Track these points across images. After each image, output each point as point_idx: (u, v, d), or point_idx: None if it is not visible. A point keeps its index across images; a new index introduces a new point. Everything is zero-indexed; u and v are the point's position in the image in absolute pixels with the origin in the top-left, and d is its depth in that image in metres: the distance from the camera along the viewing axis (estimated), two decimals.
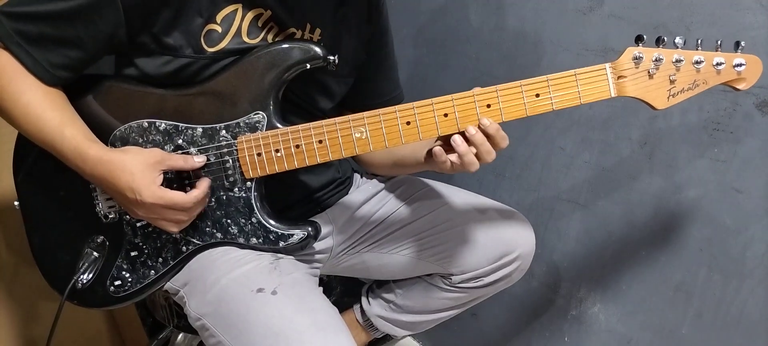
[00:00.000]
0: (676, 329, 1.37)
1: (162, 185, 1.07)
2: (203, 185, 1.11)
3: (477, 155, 1.06)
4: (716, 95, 1.21)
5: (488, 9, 1.55)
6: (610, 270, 1.46)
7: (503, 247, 1.35)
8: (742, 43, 1.01)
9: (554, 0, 1.42)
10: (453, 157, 1.07)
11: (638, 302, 1.43)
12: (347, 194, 1.45)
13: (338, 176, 1.41)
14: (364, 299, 1.59)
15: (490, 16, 1.55)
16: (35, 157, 1.18)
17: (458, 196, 1.44)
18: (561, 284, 1.57)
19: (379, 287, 1.58)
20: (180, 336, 1.69)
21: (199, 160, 1.11)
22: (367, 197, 1.44)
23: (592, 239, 1.49)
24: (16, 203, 1.24)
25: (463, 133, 1.05)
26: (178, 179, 1.13)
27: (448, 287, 1.41)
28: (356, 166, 1.51)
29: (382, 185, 1.47)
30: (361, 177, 1.51)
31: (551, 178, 1.53)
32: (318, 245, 1.33)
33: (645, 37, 1.02)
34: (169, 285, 1.20)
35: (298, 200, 1.33)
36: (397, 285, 1.52)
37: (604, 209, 1.45)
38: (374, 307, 1.56)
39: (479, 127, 1.04)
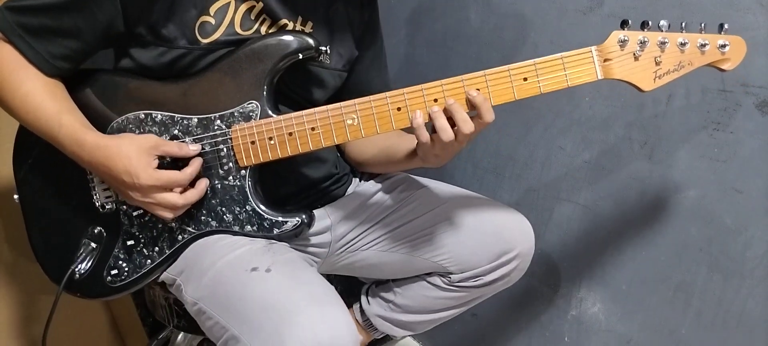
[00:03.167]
0: (676, 329, 1.36)
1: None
2: (196, 163, 1.13)
3: (455, 125, 1.06)
4: (716, 95, 1.21)
5: (488, 9, 1.56)
6: (610, 270, 1.46)
7: (502, 246, 1.35)
8: (726, 26, 1.03)
9: (554, 0, 1.42)
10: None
11: (638, 302, 1.42)
12: (346, 192, 1.45)
13: (336, 171, 1.42)
14: (363, 299, 1.59)
15: (490, 16, 1.56)
16: (35, 152, 1.21)
17: (457, 195, 1.44)
18: (561, 283, 1.57)
19: (378, 286, 1.57)
20: (180, 336, 1.69)
21: (193, 148, 1.13)
22: (366, 195, 1.44)
23: (592, 239, 1.48)
24: (15, 197, 1.25)
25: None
26: (174, 169, 1.13)
27: (448, 287, 1.41)
28: (353, 169, 1.52)
29: (381, 184, 1.48)
30: (360, 181, 1.51)
31: (551, 178, 1.53)
32: (315, 239, 1.34)
33: (630, 21, 1.04)
34: (166, 275, 1.21)
35: (294, 193, 1.34)
36: (396, 285, 1.51)
37: (604, 209, 1.44)
38: (374, 307, 1.55)
39: (467, 99, 1.06)
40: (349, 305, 1.62)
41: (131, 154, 1.07)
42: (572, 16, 1.40)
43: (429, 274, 1.44)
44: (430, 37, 1.74)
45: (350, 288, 1.65)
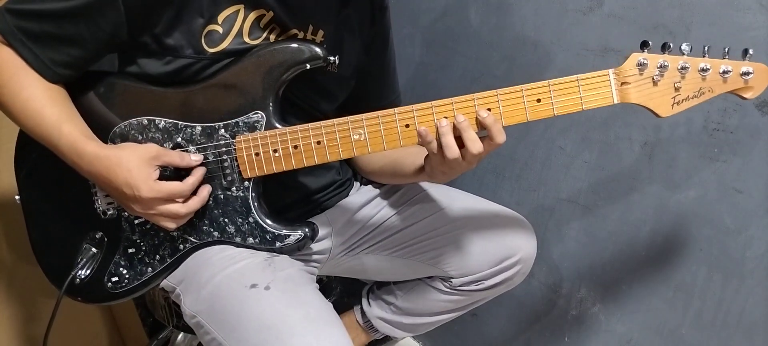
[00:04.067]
0: (676, 329, 1.37)
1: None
2: (198, 172, 1.12)
3: (462, 143, 1.03)
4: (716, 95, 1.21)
5: (488, 9, 1.55)
6: (610, 270, 1.46)
7: (505, 251, 1.35)
8: (751, 51, 0.98)
9: (554, 0, 1.42)
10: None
11: (638, 302, 1.42)
12: (347, 196, 1.45)
13: (338, 177, 1.41)
14: (364, 301, 1.59)
15: (490, 16, 1.55)
16: (37, 154, 1.19)
17: (459, 198, 1.43)
18: (561, 284, 1.57)
19: (379, 288, 1.58)
20: (180, 336, 1.69)
21: (195, 158, 1.11)
22: (367, 199, 1.44)
23: (592, 239, 1.48)
24: (16, 198, 1.24)
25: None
26: (176, 178, 1.12)
27: (449, 290, 1.41)
28: (357, 174, 1.51)
29: (381, 188, 1.47)
30: (360, 185, 1.51)
31: (551, 178, 1.53)
32: (316, 246, 1.33)
33: (650, 42, 1.00)
34: (166, 283, 1.20)
35: (296, 200, 1.32)
36: (397, 287, 1.52)
37: (604, 209, 1.45)
38: (374, 308, 1.56)
39: (477, 119, 1.03)
40: (350, 306, 1.62)
41: (131, 166, 1.05)
42: (572, 16, 1.39)
43: (430, 277, 1.44)
44: (431, 37, 1.73)
45: (351, 289, 1.65)
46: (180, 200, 1.10)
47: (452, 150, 1.03)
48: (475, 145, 1.02)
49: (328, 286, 1.62)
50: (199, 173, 1.12)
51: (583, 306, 1.53)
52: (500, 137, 1.03)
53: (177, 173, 1.13)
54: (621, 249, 1.44)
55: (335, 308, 1.14)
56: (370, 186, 1.49)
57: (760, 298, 1.24)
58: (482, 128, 1.04)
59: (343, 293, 1.66)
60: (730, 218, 1.25)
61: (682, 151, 1.28)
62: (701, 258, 1.30)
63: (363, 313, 1.58)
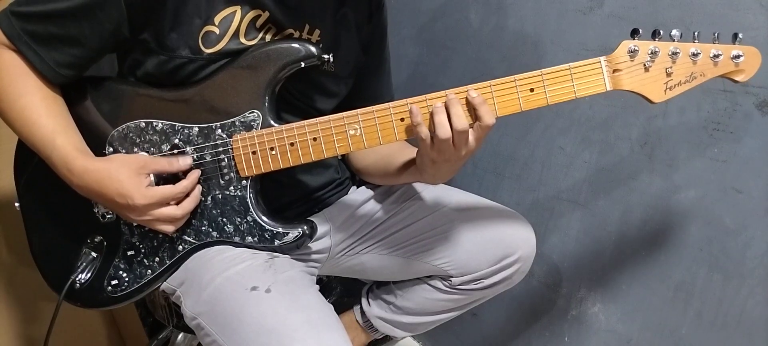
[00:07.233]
0: (676, 329, 1.36)
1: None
2: (193, 175, 1.12)
3: (450, 121, 1.03)
4: (716, 95, 1.20)
5: (488, 9, 1.55)
6: (610, 270, 1.46)
7: (504, 249, 1.35)
8: (740, 35, 0.99)
9: (554, 0, 1.42)
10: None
11: (638, 302, 1.42)
12: (346, 194, 1.45)
13: (337, 176, 1.42)
14: (364, 300, 1.59)
15: (490, 16, 1.55)
16: (36, 160, 1.19)
17: (458, 197, 1.43)
18: (561, 284, 1.57)
19: (379, 288, 1.58)
20: (180, 336, 1.69)
21: (184, 162, 1.12)
22: (366, 198, 1.44)
23: (592, 239, 1.48)
24: (16, 204, 1.24)
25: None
26: (171, 183, 1.13)
27: (448, 289, 1.41)
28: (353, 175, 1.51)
29: (380, 187, 1.47)
30: (357, 187, 1.51)
31: (551, 178, 1.53)
32: (316, 245, 1.33)
33: (641, 30, 1.01)
34: (166, 285, 1.21)
35: (295, 199, 1.33)
36: (397, 286, 1.52)
37: (604, 209, 1.44)
38: (374, 308, 1.56)
39: (466, 99, 1.03)
40: (350, 306, 1.62)
41: (122, 177, 1.06)
42: (572, 16, 1.39)
43: (430, 276, 1.44)
44: (430, 37, 1.73)
45: (351, 289, 1.65)
46: (173, 202, 1.11)
47: (444, 129, 1.03)
48: (460, 120, 1.02)
49: (328, 286, 1.62)
50: (193, 176, 1.12)
51: (583, 306, 1.53)
52: (489, 118, 1.03)
53: (173, 179, 1.13)
54: (621, 249, 1.43)
55: (335, 308, 1.15)
56: (368, 186, 1.48)
57: (760, 298, 1.23)
58: (474, 114, 1.04)
59: (343, 293, 1.66)
60: (730, 218, 1.25)
61: (682, 151, 1.28)
62: (701, 258, 1.30)
63: (362, 313, 1.58)
